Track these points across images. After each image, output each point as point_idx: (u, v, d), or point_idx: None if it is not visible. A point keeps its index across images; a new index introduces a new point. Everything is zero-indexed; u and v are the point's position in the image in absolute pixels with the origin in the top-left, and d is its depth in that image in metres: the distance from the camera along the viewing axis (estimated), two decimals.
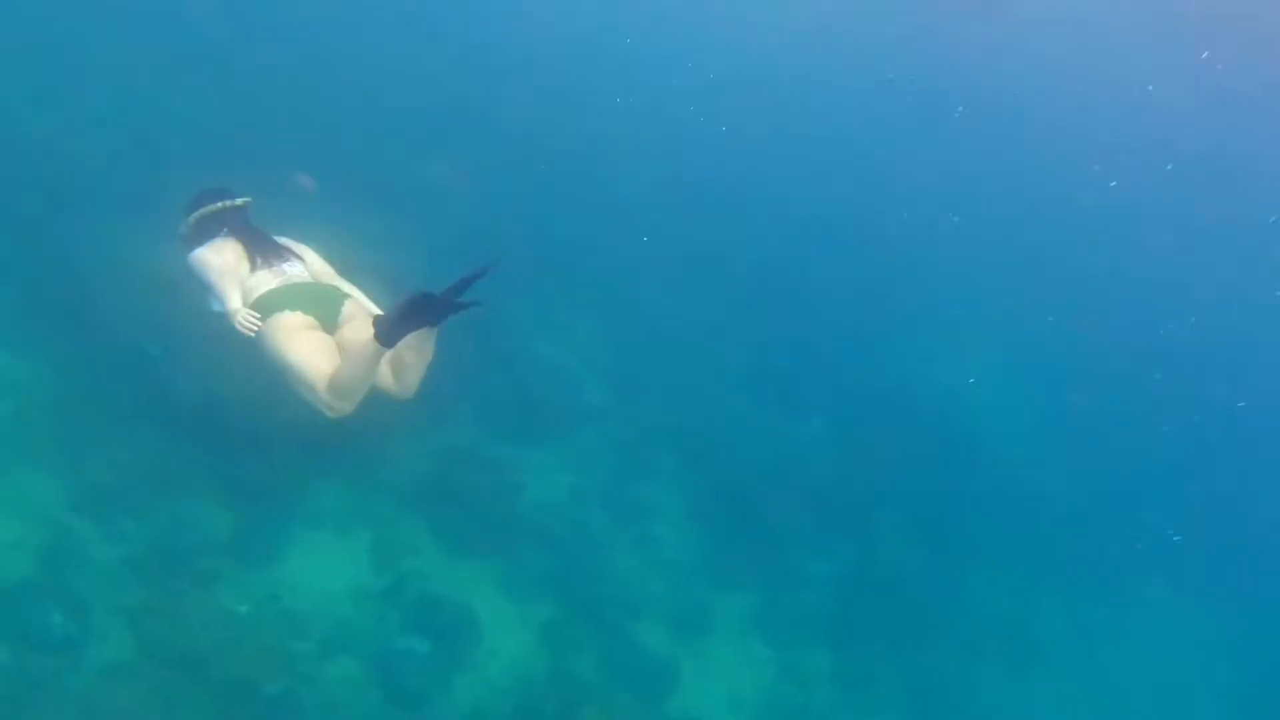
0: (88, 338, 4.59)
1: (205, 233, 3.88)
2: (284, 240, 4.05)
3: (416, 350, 3.66)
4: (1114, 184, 11.27)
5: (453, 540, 4.82)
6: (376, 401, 3.88)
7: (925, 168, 10.65)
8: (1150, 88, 15.62)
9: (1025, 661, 5.73)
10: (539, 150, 8.46)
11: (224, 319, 3.72)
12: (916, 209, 9.60)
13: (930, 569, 5.88)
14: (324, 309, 3.65)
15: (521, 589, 4.75)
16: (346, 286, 4.05)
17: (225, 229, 3.88)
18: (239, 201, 3.95)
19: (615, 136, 9.26)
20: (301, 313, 3.53)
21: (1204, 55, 16.51)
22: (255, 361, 3.77)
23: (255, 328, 3.57)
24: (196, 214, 3.90)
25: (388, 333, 3.28)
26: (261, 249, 3.81)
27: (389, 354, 3.43)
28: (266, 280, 3.67)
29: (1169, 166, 12.52)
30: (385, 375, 3.73)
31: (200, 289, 3.90)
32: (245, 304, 3.65)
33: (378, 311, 3.81)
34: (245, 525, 4.29)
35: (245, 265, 3.74)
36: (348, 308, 3.72)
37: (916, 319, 8.15)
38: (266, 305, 3.57)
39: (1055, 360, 8.35)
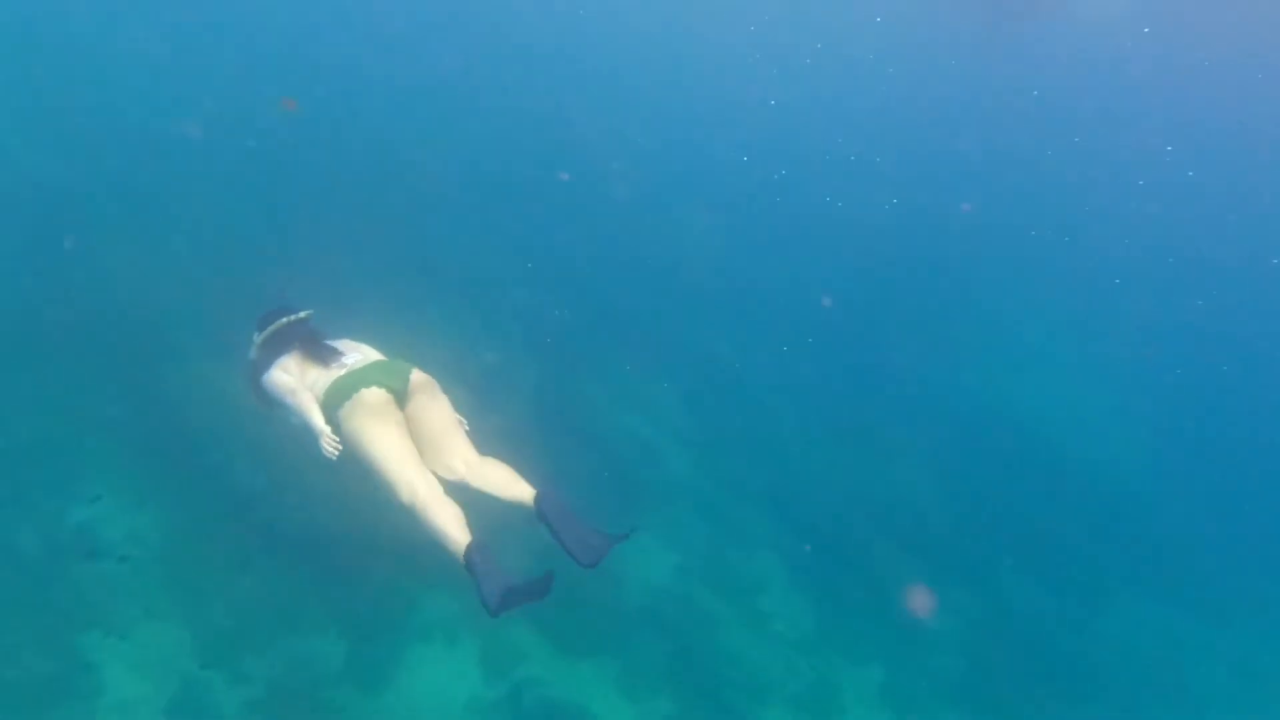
0: (194, 483, 4.72)
1: (272, 350, 3.98)
2: (345, 342, 4.11)
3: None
4: (1189, 174, 10.73)
5: (562, 639, 4.73)
6: (459, 498, 3.88)
7: (992, 188, 10.36)
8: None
9: (1184, 704, 5.29)
10: (584, 225, 8.53)
11: (305, 436, 3.79)
12: (988, 232, 9.30)
13: (1065, 614, 5.52)
14: (392, 377, 3.68)
15: (638, 683, 4.62)
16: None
17: (292, 343, 3.97)
18: (301, 315, 4.08)
19: (660, 194, 9.30)
20: (374, 386, 3.58)
21: None
22: (341, 467, 3.80)
23: (337, 451, 3.57)
24: (264, 333, 4.02)
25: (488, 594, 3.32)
26: (322, 354, 3.90)
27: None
28: (333, 374, 3.77)
29: None
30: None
31: (277, 409, 3.98)
32: (317, 397, 3.70)
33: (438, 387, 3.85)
34: (360, 650, 4.30)
35: (311, 372, 3.84)
36: (415, 377, 3.76)
37: (1003, 346, 7.84)
38: (339, 391, 3.62)
39: (1159, 377, 7.88)
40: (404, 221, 7.80)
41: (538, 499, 3.60)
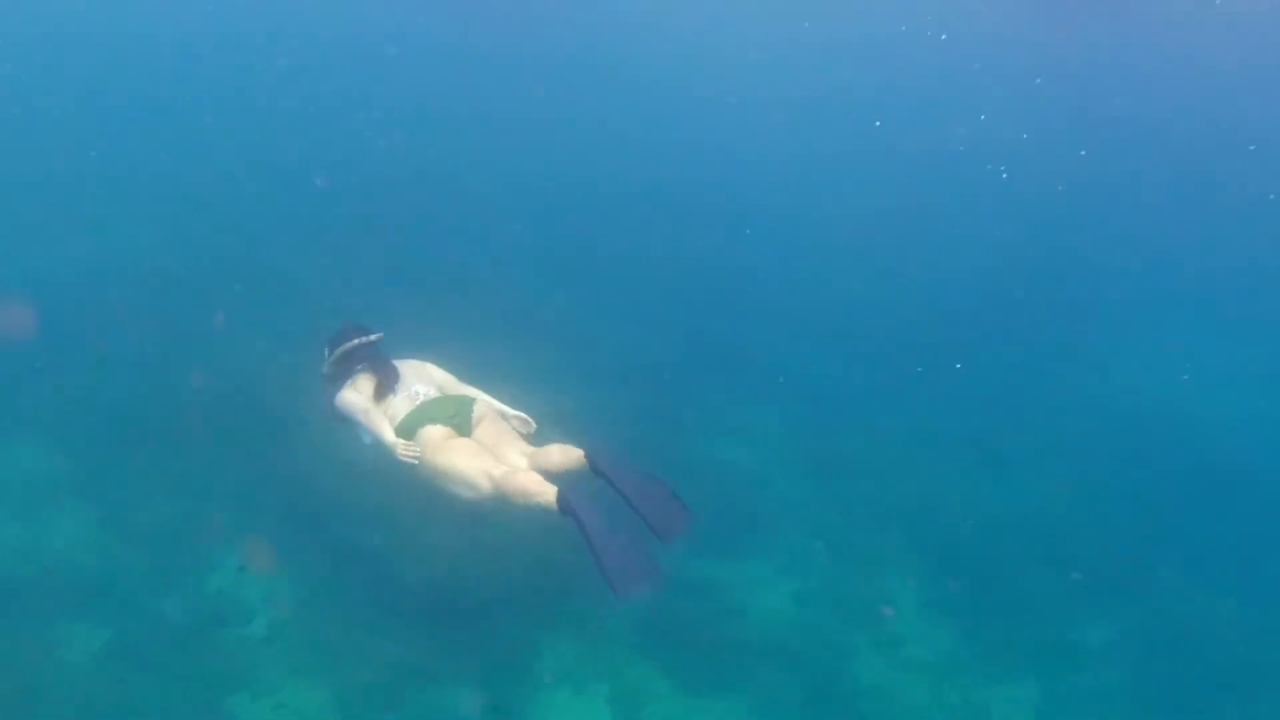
0: (320, 543, 4.88)
1: (344, 369, 4.22)
2: (410, 361, 4.33)
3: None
4: None
5: (688, 678, 4.60)
6: (571, 539, 3.89)
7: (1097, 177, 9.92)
8: None
9: None
10: (662, 247, 8.56)
11: (378, 450, 4.00)
12: (1114, 222, 8.86)
13: (1232, 612, 5.03)
14: (458, 419, 3.97)
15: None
16: (471, 391, 4.27)
17: (361, 364, 4.20)
18: (374, 337, 4.28)
19: (741, 208, 9.27)
20: (441, 425, 3.87)
21: None
22: (413, 483, 4.00)
23: (416, 457, 3.84)
24: (338, 351, 4.23)
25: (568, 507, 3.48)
26: (392, 377, 4.14)
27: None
28: (402, 406, 4.03)
29: None
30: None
31: (350, 426, 4.23)
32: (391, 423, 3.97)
33: (502, 408, 4.14)
34: (493, 700, 4.30)
35: (381, 395, 4.11)
36: (477, 410, 4.06)
37: (1135, 341, 7.36)
38: (408, 428, 3.92)
39: None
40: (485, 254, 8.01)
41: (587, 454, 3.79)
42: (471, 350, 5.19)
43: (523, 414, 4.25)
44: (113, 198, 8.10)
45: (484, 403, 4.12)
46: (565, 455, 3.94)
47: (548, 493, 3.53)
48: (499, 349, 5.91)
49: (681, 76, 13.46)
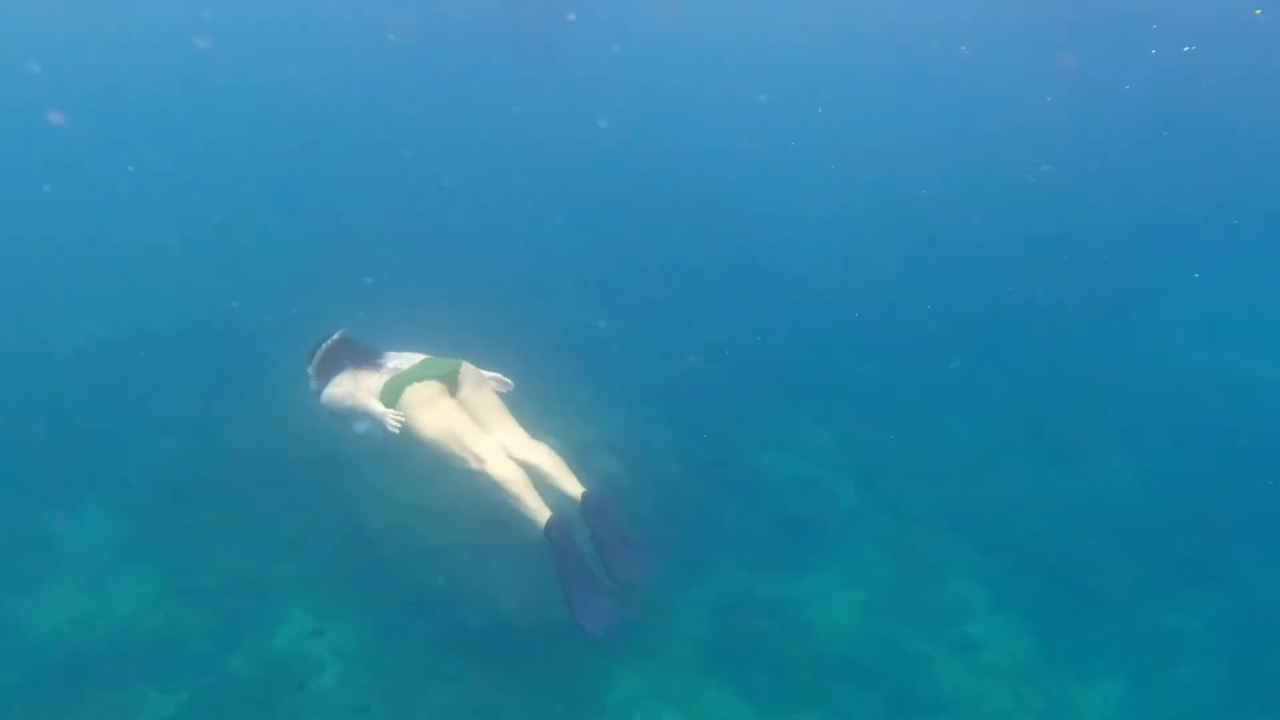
0: (380, 588, 4.87)
1: (326, 372, 4.28)
2: (390, 354, 4.34)
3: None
4: None
5: (761, 700, 4.49)
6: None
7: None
8: None
9: None
10: (696, 261, 8.51)
11: (374, 431, 3.98)
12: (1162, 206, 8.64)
13: None
14: (441, 371, 3.95)
15: None
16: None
17: (343, 363, 4.26)
18: (335, 336, 4.34)
19: (771, 214, 9.21)
20: (425, 381, 3.85)
21: None
22: (410, 452, 3.97)
23: (400, 423, 3.80)
24: (314, 362, 4.36)
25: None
26: (373, 363, 4.19)
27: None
28: (378, 380, 4.05)
29: None
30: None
31: (340, 422, 4.23)
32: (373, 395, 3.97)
33: (479, 371, 4.10)
34: None
35: (363, 380, 4.13)
36: (463, 369, 4.02)
37: (1199, 317, 7.12)
38: (392, 389, 3.89)
39: None
40: (524, 279, 8.01)
41: (585, 497, 3.77)
42: (517, 379, 5.19)
43: (499, 375, 4.30)
44: (154, 264, 8.28)
45: (467, 365, 4.12)
46: (559, 475, 3.98)
47: (541, 512, 3.61)
48: (543, 376, 5.90)
49: (708, 84, 13.48)
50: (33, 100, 10.89)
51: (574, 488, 3.97)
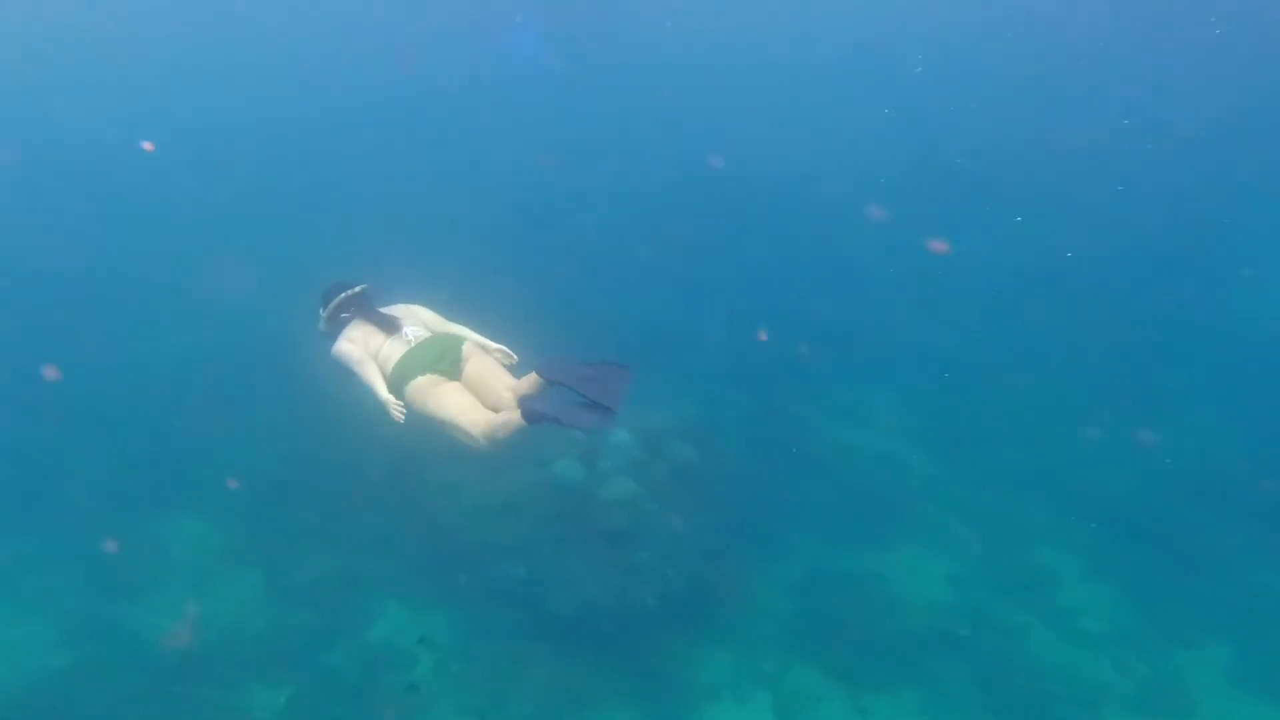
0: (466, 581, 4.99)
1: (337, 322, 4.38)
2: (399, 307, 4.45)
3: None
4: None
5: (852, 676, 4.47)
6: (711, 548, 3.74)
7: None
8: None
9: None
10: (763, 240, 8.40)
11: (373, 399, 4.08)
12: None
13: None
14: (446, 362, 4.11)
15: (948, 712, 4.25)
16: (455, 328, 4.43)
17: (352, 313, 4.36)
18: (358, 288, 4.44)
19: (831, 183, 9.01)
20: (430, 374, 4.03)
21: None
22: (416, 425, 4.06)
23: (402, 416, 4.00)
24: (330, 306, 4.40)
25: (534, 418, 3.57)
26: (383, 323, 4.28)
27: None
28: (395, 349, 4.15)
29: None
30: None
31: (345, 375, 4.29)
32: (383, 372, 4.14)
33: (485, 342, 4.26)
34: (656, 718, 4.29)
35: (374, 340, 4.23)
36: (465, 349, 4.21)
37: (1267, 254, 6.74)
38: (401, 375, 4.07)
39: None
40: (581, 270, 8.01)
41: (538, 371, 3.86)
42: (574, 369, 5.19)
43: (504, 347, 4.35)
44: (232, 281, 8.57)
45: (470, 342, 4.26)
46: (534, 379, 4.07)
47: (515, 416, 3.72)
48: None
49: (754, 61, 13.27)
50: (127, 125, 11.28)
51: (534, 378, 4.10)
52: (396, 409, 4.01)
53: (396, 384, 4.10)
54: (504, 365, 4.31)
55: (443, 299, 4.66)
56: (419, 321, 4.36)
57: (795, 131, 11.08)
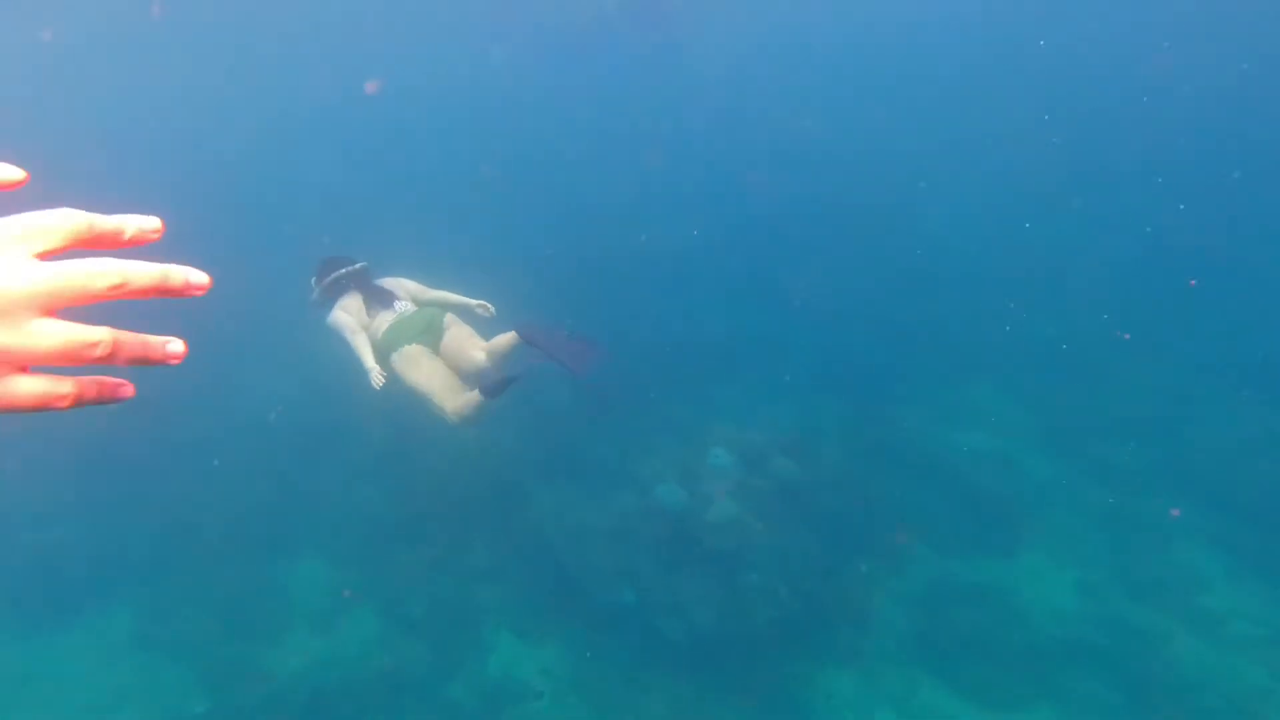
0: (576, 608, 5.01)
1: (331, 295, 4.69)
2: (389, 280, 4.75)
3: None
4: None
5: (983, 694, 4.27)
6: (824, 565, 3.61)
7: None
8: None
9: None
10: (854, 237, 8.20)
11: (357, 364, 4.42)
12: None
13: None
14: (429, 333, 4.46)
15: None
16: (437, 294, 4.73)
17: (349, 288, 4.67)
18: (358, 266, 4.73)
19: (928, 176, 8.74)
20: (415, 344, 4.39)
21: None
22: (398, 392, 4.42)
23: (382, 383, 4.34)
24: (326, 280, 4.71)
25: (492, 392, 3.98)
26: (377, 296, 4.60)
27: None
28: (384, 321, 4.49)
29: None
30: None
31: (338, 342, 4.59)
32: (372, 341, 4.49)
33: (466, 300, 4.63)
34: None
35: (367, 312, 4.58)
36: (446, 320, 4.57)
37: None
38: (388, 345, 4.41)
39: None
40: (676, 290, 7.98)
41: (518, 330, 4.21)
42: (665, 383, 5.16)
43: (484, 301, 4.66)
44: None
45: (450, 314, 4.60)
46: (509, 337, 4.44)
47: (480, 397, 4.07)
48: (696, 378, 5.89)
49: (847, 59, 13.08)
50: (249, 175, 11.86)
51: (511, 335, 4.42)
52: (377, 375, 4.33)
53: (383, 353, 4.43)
54: (484, 317, 4.68)
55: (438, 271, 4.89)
56: (407, 294, 4.66)
57: (875, 121, 10.81)
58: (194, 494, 6.06)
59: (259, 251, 9.22)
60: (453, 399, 4.26)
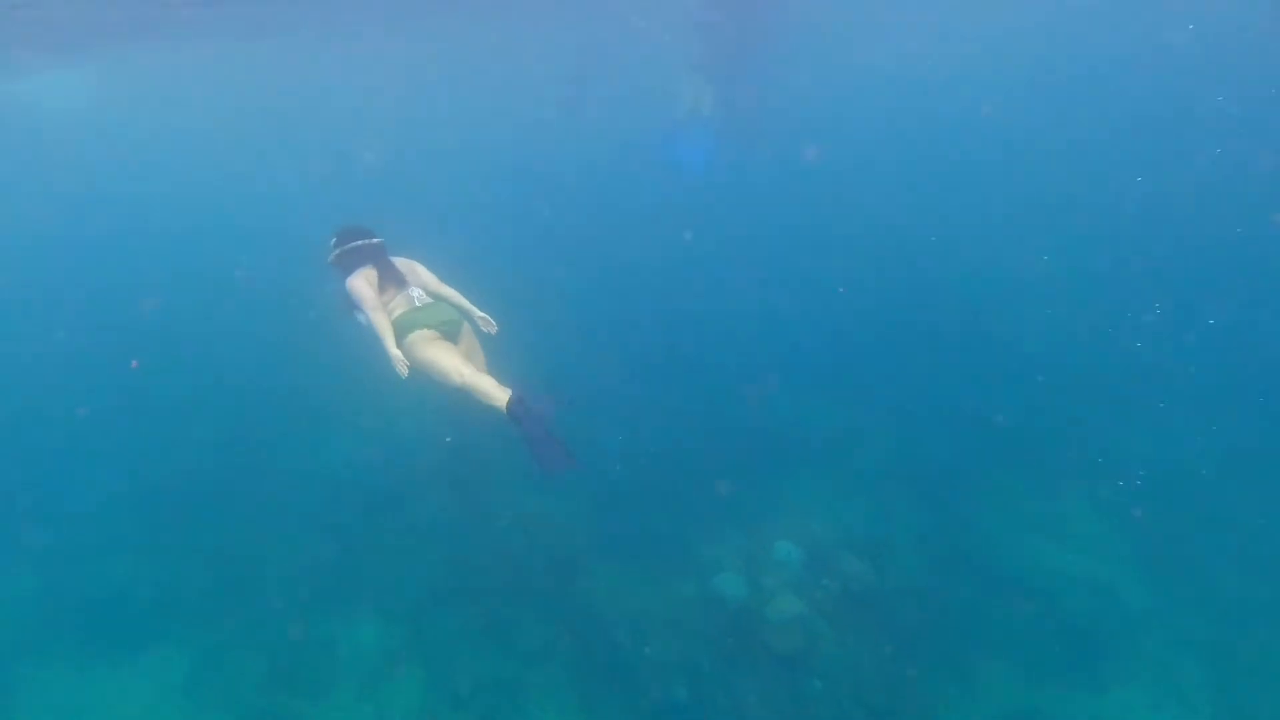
0: (628, 699, 4.79)
1: (348, 262, 4.75)
2: (402, 261, 4.86)
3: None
4: None
5: None
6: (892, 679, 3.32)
7: None
8: None
9: None
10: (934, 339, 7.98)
11: (370, 332, 4.53)
12: None
13: None
14: (447, 327, 4.65)
15: None
16: (448, 291, 4.85)
17: (366, 260, 4.76)
18: (377, 240, 4.84)
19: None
20: (430, 330, 4.58)
21: None
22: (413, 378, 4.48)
23: (406, 372, 4.43)
24: (345, 247, 4.74)
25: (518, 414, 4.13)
26: (391, 275, 4.74)
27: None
28: (400, 304, 4.65)
29: None
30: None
31: (351, 308, 4.70)
32: (391, 317, 4.61)
33: (470, 307, 4.77)
34: None
35: (384, 290, 4.69)
36: (464, 329, 4.74)
37: None
38: (404, 327, 4.58)
39: None
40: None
41: (510, 404, 4.30)
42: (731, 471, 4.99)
43: (487, 315, 4.80)
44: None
45: (467, 324, 4.75)
46: (498, 391, 4.49)
47: (501, 399, 4.25)
48: (763, 467, 5.72)
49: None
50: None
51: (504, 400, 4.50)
52: (401, 364, 4.42)
53: (399, 333, 4.54)
54: (485, 331, 4.78)
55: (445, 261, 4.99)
56: (420, 281, 4.80)
57: (961, 211, 10.68)
58: (257, 543, 6.15)
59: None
60: (467, 370, 4.43)
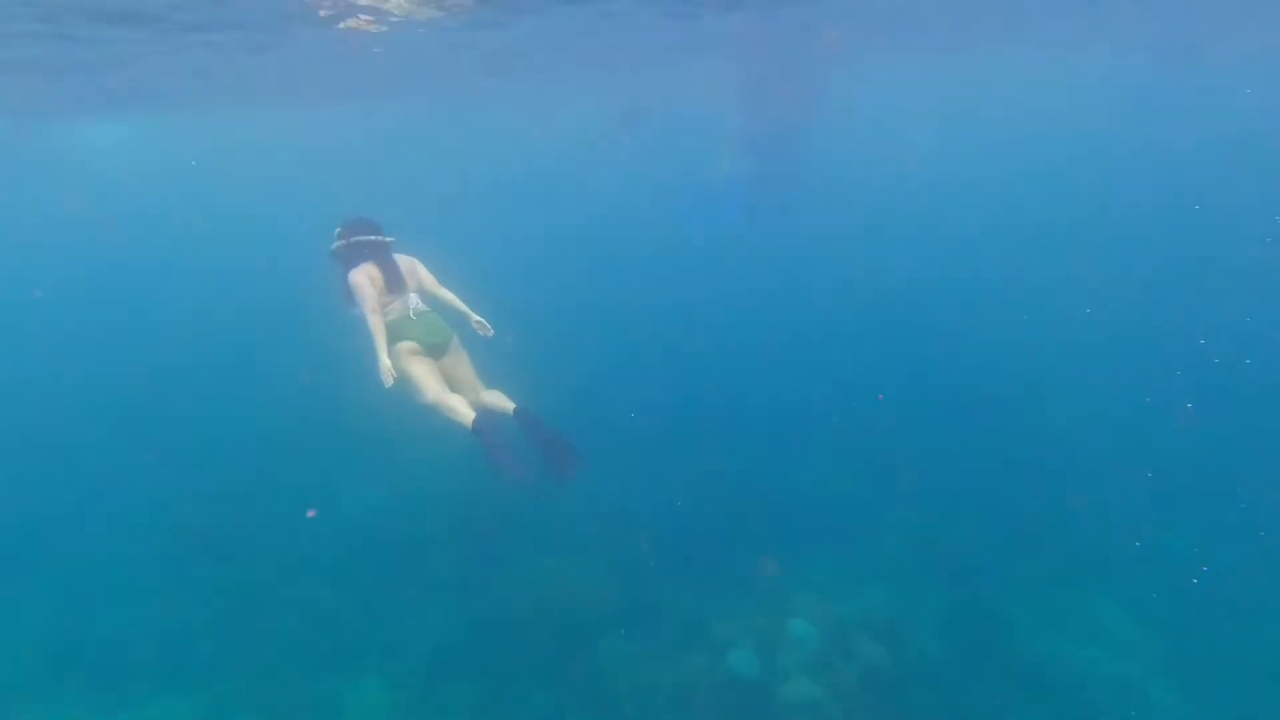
0: None
1: (352, 255, 4.77)
2: (403, 259, 4.88)
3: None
4: None
5: None
6: None
7: None
8: None
9: None
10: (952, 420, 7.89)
11: (362, 329, 4.58)
12: None
13: None
14: (436, 342, 4.75)
15: None
16: (443, 292, 4.93)
17: (368, 256, 4.78)
18: (387, 239, 4.86)
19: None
20: (417, 341, 4.71)
21: None
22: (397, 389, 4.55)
23: (391, 381, 4.48)
24: (352, 239, 4.76)
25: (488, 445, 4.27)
26: (393, 276, 4.77)
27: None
28: (396, 309, 4.74)
29: None
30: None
31: (347, 301, 4.71)
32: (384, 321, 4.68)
33: (467, 311, 4.90)
34: None
35: (383, 291, 4.72)
36: (453, 343, 4.84)
37: None
38: (394, 335, 4.69)
39: None
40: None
41: (515, 412, 4.60)
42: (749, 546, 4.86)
43: (483, 319, 4.85)
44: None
45: (455, 341, 4.85)
46: (500, 401, 4.73)
47: (468, 418, 4.41)
48: (779, 542, 5.63)
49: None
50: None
51: (509, 406, 4.72)
52: (388, 374, 4.47)
53: (393, 337, 4.65)
54: (481, 335, 4.86)
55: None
56: (419, 281, 4.88)
57: (991, 296, 10.69)
58: (269, 592, 6.13)
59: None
60: (441, 390, 4.55)
